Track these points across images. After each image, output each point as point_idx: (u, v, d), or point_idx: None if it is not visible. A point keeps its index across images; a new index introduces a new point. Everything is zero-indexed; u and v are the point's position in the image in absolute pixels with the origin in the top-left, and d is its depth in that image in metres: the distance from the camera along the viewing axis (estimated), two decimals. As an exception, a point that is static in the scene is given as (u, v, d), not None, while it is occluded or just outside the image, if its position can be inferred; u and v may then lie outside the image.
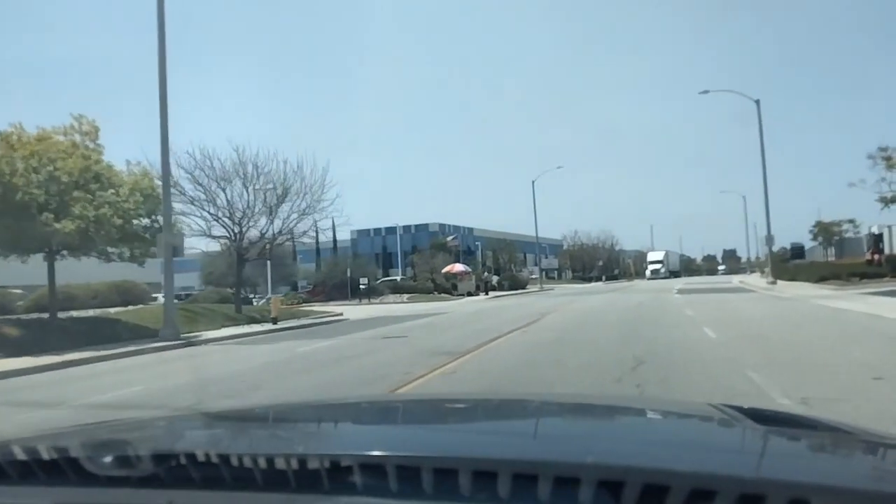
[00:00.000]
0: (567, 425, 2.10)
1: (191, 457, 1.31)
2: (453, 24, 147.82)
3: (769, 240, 40.39)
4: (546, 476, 1.14)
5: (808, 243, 61.38)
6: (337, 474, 1.24)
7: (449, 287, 48.77)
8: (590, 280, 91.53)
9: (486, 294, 48.98)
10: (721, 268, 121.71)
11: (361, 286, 41.63)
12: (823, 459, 1.60)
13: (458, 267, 52.90)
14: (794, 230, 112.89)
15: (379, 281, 48.83)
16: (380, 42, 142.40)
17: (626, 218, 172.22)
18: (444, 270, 54.08)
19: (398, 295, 44.23)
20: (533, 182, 64.03)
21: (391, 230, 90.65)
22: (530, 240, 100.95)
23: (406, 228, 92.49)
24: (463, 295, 47.73)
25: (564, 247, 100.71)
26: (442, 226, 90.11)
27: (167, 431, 2.07)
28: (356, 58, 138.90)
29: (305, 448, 1.53)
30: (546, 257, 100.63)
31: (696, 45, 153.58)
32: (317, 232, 68.83)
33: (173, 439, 1.87)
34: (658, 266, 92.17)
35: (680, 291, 36.79)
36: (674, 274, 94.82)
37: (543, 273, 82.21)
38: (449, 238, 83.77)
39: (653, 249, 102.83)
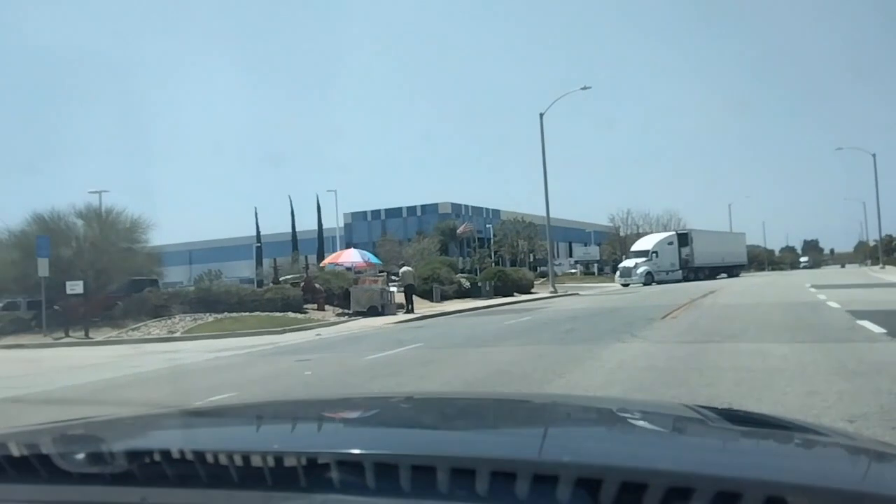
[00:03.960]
0: (545, 424, 2.01)
1: (165, 454, 1.28)
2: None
3: None
4: (524, 474, 1.14)
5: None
6: (314, 471, 1.22)
7: (318, 297, 25.25)
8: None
9: (409, 309, 25.31)
10: (803, 260, 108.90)
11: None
12: (799, 459, 1.59)
13: (350, 257, 29.79)
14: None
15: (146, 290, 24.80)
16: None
17: (698, 197, 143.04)
18: (325, 261, 31.03)
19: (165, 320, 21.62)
20: (541, 115, 39.46)
21: (393, 212, 77.32)
22: (572, 226, 76.30)
23: (411, 210, 78.51)
24: (341, 314, 24.62)
25: (621, 234, 74.38)
26: (456, 206, 76.03)
27: (142, 428, 1.97)
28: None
29: (282, 445, 1.48)
30: (586, 245, 79.30)
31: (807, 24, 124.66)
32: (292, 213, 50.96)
33: (148, 436, 1.80)
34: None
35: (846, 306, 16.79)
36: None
37: (579, 265, 57.84)
38: (462, 225, 65.44)
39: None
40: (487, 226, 68.60)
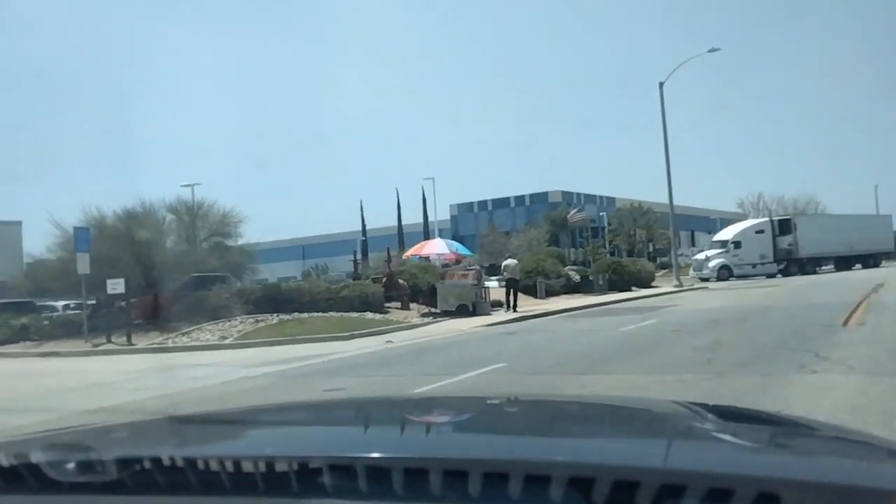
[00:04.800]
0: (536, 424, 2.00)
1: (156, 461, 1.27)
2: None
3: None
4: (516, 475, 1.14)
5: None
6: (306, 476, 1.21)
7: (402, 294, 21.80)
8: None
9: (513, 308, 21.56)
10: None
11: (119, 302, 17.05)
12: (791, 454, 1.58)
13: (434, 248, 25.94)
14: None
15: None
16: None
17: (840, 179, 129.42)
18: (408, 253, 27.41)
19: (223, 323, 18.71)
20: (661, 84, 34.66)
21: (501, 203, 73.95)
22: (696, 213, 70.07)
23: (519, 199, 75.04)
24: (427, 314, 21.19)
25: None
26: (567, 194, 71.15)
27: (132, 436, 1.94)
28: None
29: (274, 450, 1.41)
30: (711, 234, 72.48)
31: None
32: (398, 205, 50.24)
33: (138, 444, 1.75)
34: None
35: None
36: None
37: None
38: (572, 212, 62.11)
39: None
40: (601, 214, 63.56)
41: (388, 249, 24.47)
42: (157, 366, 12.94)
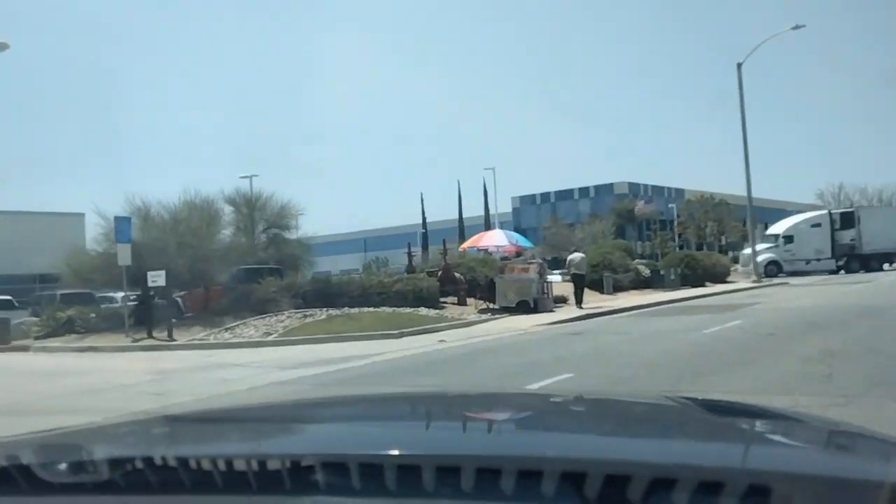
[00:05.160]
0: (528, 420, 2.00)
1: (148, 461, 1.27)
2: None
3: None
4: (509, 470, 1.14)
5: None
6: (299, 474, 1.20)
7: (458, 288, 20.40)
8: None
9: (579, 305, 20.03)
10: None
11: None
12: (781, 447, 1.59)
13: (493, 240, 24.22)
14: None
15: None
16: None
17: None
18: (465, 245, 25.79)
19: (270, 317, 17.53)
20: (739, 66, 32.24)
21: (564, 194, 71.69)
22: (771, 205, 67.50)
23: (583, 191, 72.57)
24: (484, 310, 19.64)
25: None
26: (633, 185, 68.62)
27: (124, 436, 1.94)
28: None
29: (266, 448, 1.48)
30: None
31: None
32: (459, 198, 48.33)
33: (130, 444, 1.76)
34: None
35: None
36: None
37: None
38: (639, 203, 60.48)
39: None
40: (670, 206, 60.96)
41: (443, 241, 23.13)
42: (190, 365, 11.94)
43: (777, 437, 1.67)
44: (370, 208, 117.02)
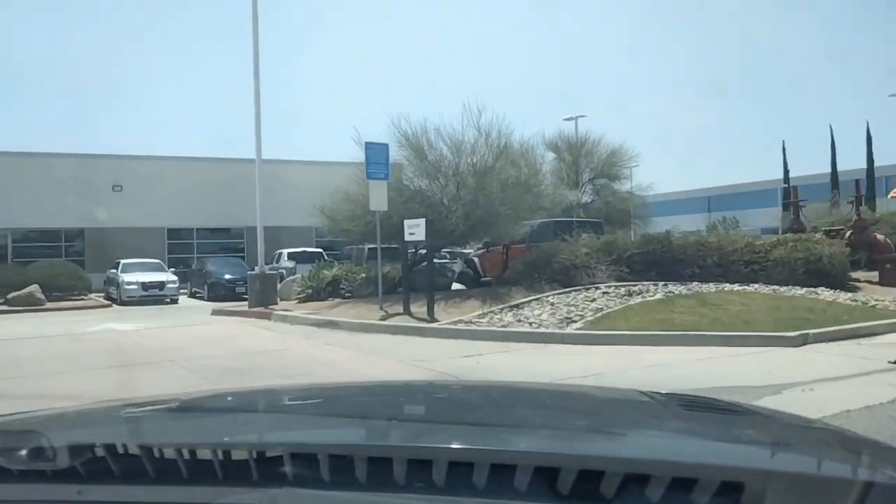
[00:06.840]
0: (502, 413, 1.94)
1: (110, 448, 1.22)
2: None
3: None
4: (482, 463, 1.12)
5: None
6: (266, 465, 1.17)
7: (883, 258, 12.12)
8: None
9: None
10: None
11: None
12: (755, 443, 1.56)
13: None
14: None
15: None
16: None
17: None
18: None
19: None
20: None
21: None
22: None
23: None
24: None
25: None
26: None
27: (87, 423, 1.85)
28: None
29: (232, 438, 1.43)
30: None
31: None
32: (833, 145, 42.13)
33: (93, 431, 1.67)
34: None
35: None
36: None
37: None
38: None
39: None
40: None
41: (856, 182, 14.89)
42: (415, 372, 6.79)
43: (751, 434, 1.64)
44: (718, 163, 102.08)
